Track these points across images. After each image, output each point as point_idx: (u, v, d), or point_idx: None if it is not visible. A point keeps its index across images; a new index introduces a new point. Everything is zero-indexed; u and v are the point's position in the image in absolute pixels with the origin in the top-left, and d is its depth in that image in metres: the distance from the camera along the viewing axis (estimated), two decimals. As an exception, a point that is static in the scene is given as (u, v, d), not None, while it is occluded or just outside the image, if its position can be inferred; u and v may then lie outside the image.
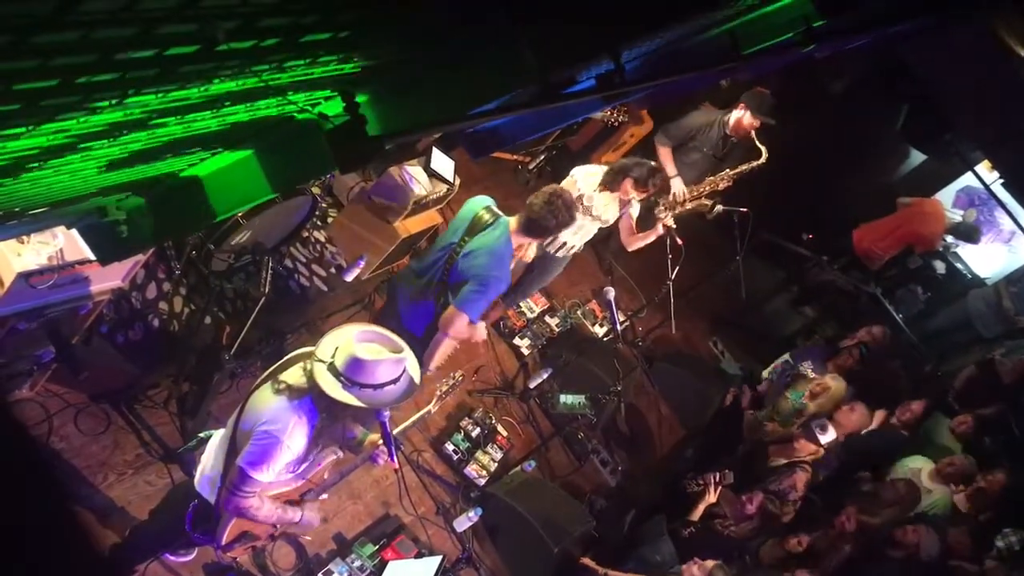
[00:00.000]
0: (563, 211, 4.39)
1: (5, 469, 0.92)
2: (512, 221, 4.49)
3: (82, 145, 1.96)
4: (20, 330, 3.72)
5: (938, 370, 8.11)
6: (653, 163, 5.69)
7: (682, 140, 6.67)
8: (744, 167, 6.50)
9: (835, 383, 6.96)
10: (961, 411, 7.33)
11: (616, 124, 7.26)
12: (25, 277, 3.39)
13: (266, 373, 3.49)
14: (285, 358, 3.51)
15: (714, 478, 6.09)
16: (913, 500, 6.32)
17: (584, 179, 5.65)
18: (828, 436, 6.36)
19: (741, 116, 6.46)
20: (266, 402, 3.33)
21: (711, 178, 6.58)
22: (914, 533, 5.84)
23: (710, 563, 5.28)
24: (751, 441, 6.89)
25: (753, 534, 6.13)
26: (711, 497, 6.08)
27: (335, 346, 3.32)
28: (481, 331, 4.70)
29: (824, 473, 6.72)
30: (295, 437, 3.28)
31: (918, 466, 6.74)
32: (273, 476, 3.33)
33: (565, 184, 5.68)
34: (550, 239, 5.44)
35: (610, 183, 5.60)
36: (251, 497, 3.33)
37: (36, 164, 2.00)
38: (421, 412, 4.45)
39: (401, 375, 3.37)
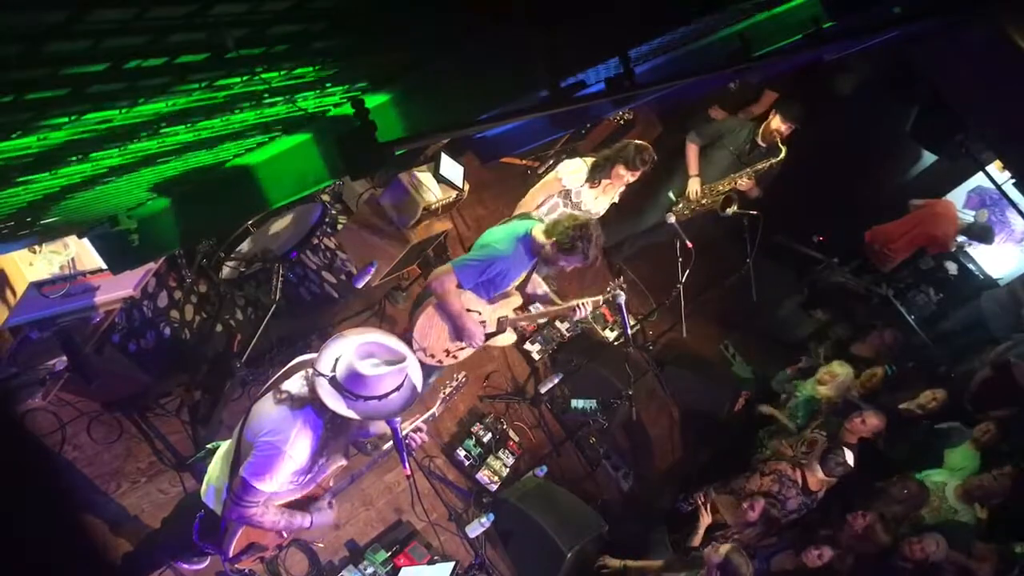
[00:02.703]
0: (592, 240, 4.54)
1: (19, 478, 0.92)
2: (541, 230, 4.62)
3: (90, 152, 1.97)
4: (32, 339, 3.73)
5: (951, 372, 8.05)
6: (638, 141, 5.74)
7: (711, 139, 6.77)
8: (762, 164, 6.55)
9: (842, 369, 6.93)
10: (975, 413, 7.28)
11: (623, 123, 7.27)
12: (37, 286, 3.40)
13: (269, 383, 3.47)
14: (287, 367, 3.49)
15: (701, 499, 6.04)
16: (922, 499, 6.29)
17: (569, 176, 5.73)
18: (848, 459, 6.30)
19: (769, 121, 6.58)
20: (268, 412, 3.30)
21: (732, 175, 6.63)
22: (921, 550, 5.76)
23: (726, 546, 5.24)
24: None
25: (758, 539, 6.08)
26: (706, 519, 6.01)
27: (335, 358, 3.29)
28: (476, 329, 4.70)
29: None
30: (298, 447, 3.25)
31: (942, 480, 6.67)
32: (277, 486, 3.30)
33: (549, 180, 5.75)
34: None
35: (599, 174, 5.67)
36: (254, 507, 3.32)
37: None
38: (426, 415, 4.44)
39: (403, 383, 3.34)
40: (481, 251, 4.61)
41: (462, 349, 4.89)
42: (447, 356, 4.86)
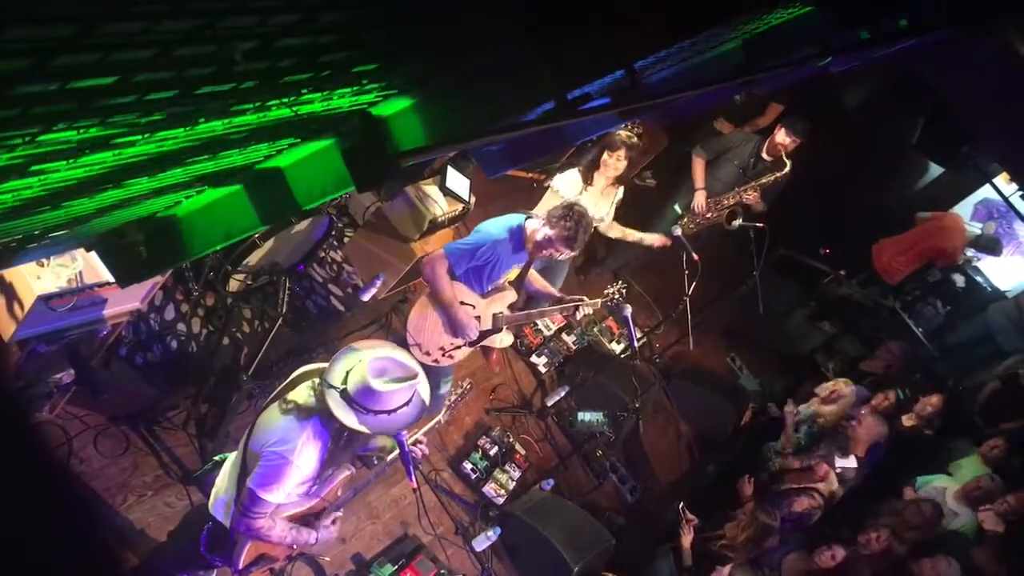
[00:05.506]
0: (582, 223, 4.53)
1: (25, 492, 0.92)
2: (535, 219, 4.68)
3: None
4: (40, 352, 3.74)
5: (959, 385, 8.02)
6: (625, 133, 5.84)
7: (718, 153, 6.83)
8: (767, 178, 6.57)
9: (848, 387, 6.90)
10: (985, 427, 7.24)
11: None
12: (45, 300, 3.41)
13: (274, 393, 3.47)
14: (291, 377, 3.49)
15: (682, 515, 5.95)
16: (937, 521, 6.23)
17: (565, 186, 5.84)
18: (847, 462, 6.30)
19: (774, 135, 6.61)
20: (274, 422, 3.31)
21: (737, 189, 6.66)
22: (932, 568, 5.70)
23: (726, 569, 5.20)
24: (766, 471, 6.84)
25: (752, 548, 5.97)
26: (687, 537, 5.90)
27: (346, 371, 3.30)
28: (468, 321, 4.65)
29: (849, 487, 6.63)
30: (304, 457, 3.26)
31: (942, 485, 6.63)
32: (284, 497, 3.31)
33: (547, 199, 5.82)
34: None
35: (590, 170, 5.78)
36: (262, 518, 3.32)
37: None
38: (431, 423, 4.43)
39: (412, 398, 3.35)
40: (473, 235, 4.66)
41: (458, 348, 4.79)
42: (443, 355, 4.77)
